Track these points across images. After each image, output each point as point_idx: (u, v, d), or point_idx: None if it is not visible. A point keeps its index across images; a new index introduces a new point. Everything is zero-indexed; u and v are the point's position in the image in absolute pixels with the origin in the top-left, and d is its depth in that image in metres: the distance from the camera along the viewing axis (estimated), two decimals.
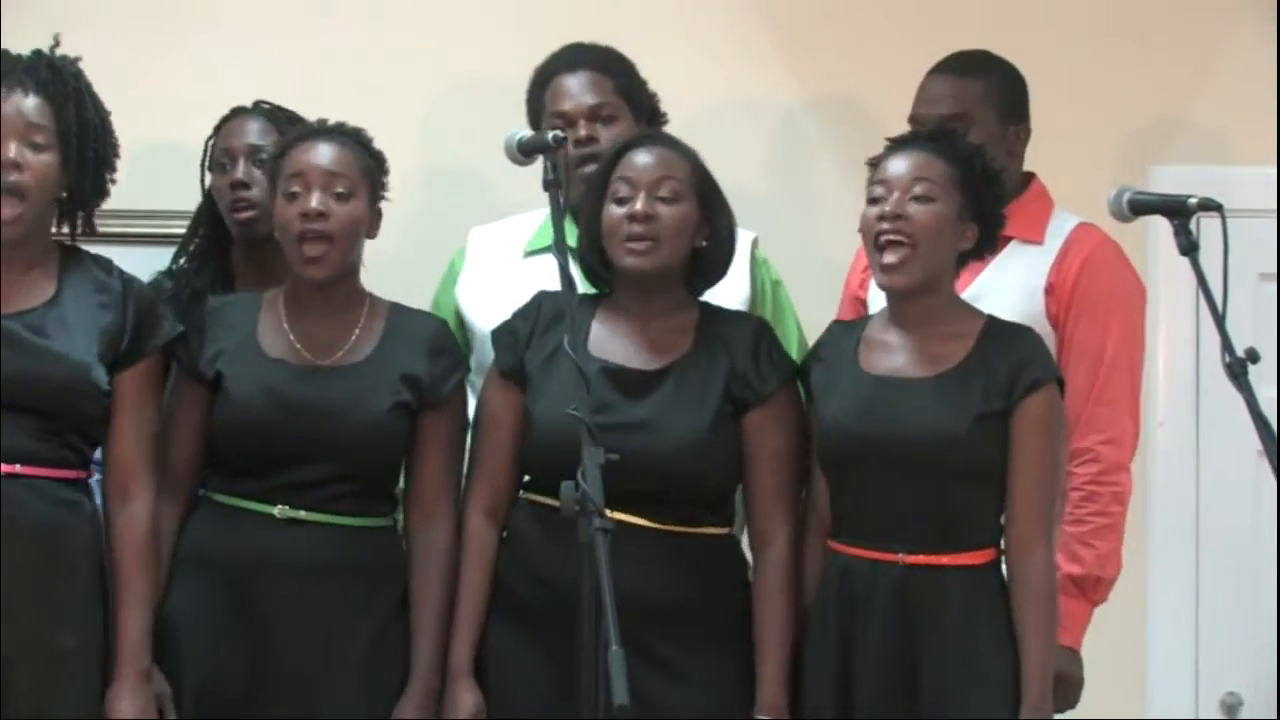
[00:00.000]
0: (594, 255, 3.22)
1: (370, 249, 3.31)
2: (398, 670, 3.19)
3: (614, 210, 3.17)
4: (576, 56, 3.62)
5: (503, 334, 3.25)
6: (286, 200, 3.16)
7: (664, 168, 3.19)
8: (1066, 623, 3.31)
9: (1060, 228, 3.56)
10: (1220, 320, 3.10)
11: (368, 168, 3.23)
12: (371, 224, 3.23)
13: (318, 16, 4.20)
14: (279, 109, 3.55)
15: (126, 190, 3.26)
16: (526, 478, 3.25)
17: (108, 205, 3.24)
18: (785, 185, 4.00)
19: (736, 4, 4.30)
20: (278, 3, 4.22)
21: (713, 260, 3.25)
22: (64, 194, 3.14)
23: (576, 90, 3.56)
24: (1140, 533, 3.90)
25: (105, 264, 3.17)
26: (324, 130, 3.26)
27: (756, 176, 4.04)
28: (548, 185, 3.03)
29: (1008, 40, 3.80)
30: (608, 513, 2.77)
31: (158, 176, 3.80)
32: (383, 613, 3.21)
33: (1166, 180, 3.85)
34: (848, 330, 3.30)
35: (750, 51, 4.20)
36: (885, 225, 3.13)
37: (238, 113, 3.56)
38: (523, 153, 3.14)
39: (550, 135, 3.12)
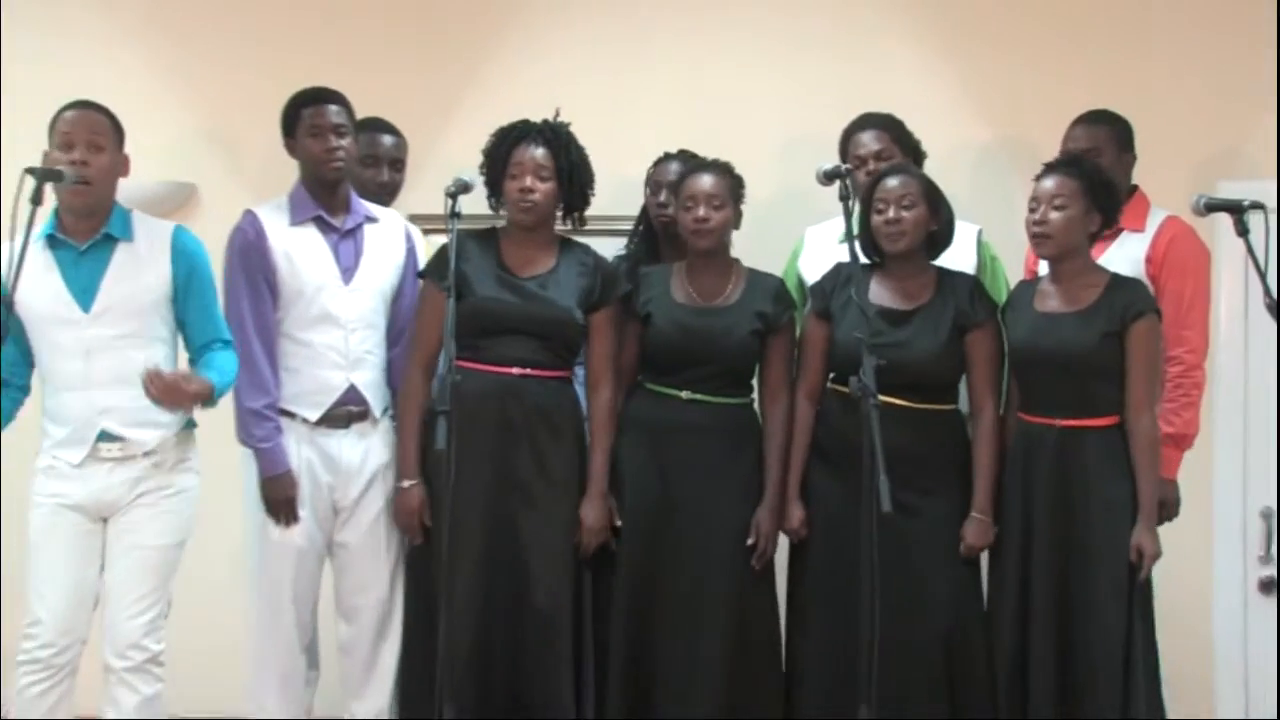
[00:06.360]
0: (868, 242, 4.49)
1: (752, 240, 4.64)
2: (756, 488, 4.47)
3: (876, 216, 4.45)
4: (866, 120, 4.79)
5: (816, 289, 4.56)
6: (685, 210, 4.49)
7: (904, 186, 4.44)
8: (1166, 464, 4.35)
9: (1155, 219, 4.53)
10: (1263, 275, 3.83)
11: (732, 187, 4.52)
12: (735, 219, 4.49)
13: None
14: (686, 152, 4.80)
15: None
16: (832, 374, 4.50)
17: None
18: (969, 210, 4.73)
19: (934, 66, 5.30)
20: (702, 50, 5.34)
21: (940, 237, 4.47)
22: (562, 206, 4.47)
23: (866, 141, 4.76)
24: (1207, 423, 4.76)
25: (585, 248, 4.54)
26: (705, 165, 4.55)
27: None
28: (842, 198, 4.09)
29: (1127, 92, 4.82)
30: (885, 398, 3.92)
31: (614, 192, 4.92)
32: (747, 454, 4.51)
33: (1230, 190, 4.60)
34: (1028, 286, 4.50)
35: (944, 95, 5.17)
36: (1036, 227, 4.34)
37: (666, 158, 4.80)
38: (826, 178, 4.15)
39: (842, 167, 4.13)
